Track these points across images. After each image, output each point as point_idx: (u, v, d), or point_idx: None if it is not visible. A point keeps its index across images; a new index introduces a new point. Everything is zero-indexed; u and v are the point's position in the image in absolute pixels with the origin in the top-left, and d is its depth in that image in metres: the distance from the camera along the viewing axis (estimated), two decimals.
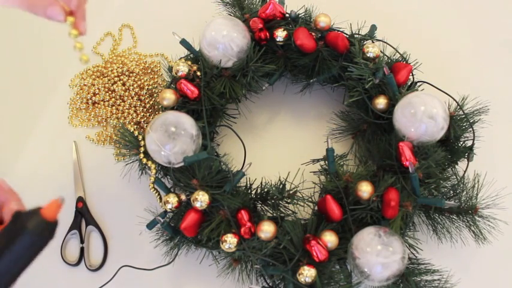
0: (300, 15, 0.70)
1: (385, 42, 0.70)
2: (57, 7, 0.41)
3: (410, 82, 0.68)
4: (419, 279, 0.58)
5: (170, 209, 0.60)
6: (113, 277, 0.63)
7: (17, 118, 0.76)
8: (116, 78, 0.78)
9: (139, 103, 0.77)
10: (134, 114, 0.76)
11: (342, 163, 0.64)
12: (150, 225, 0.62)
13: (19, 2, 0.41)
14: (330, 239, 0.58)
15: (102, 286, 0.63)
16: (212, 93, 0.65)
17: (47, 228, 0.40)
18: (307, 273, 0.55)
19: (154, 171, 0.63)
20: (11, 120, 0.76)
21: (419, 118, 0.60)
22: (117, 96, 0.77)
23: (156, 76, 0.80)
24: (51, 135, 0.75)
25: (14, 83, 0.78)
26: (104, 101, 0.77)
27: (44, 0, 0.41)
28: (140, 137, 0.63)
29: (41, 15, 0.41)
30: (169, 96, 0.63)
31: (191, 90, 0.64)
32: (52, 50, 0.79)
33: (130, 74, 0.79)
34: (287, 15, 0.69)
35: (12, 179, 0.72)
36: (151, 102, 0.76)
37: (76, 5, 0.42)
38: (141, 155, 0.63)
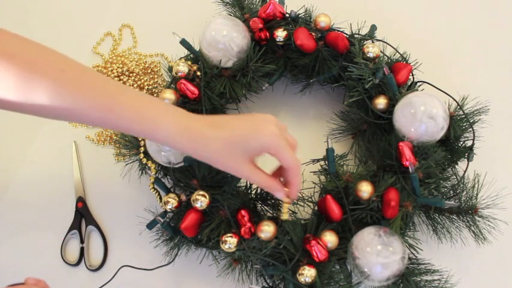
0: (300, 15, 0.70)
1: (385, 42, 0.70)
2: (282, 192, 0.53)
3: (410, 82, 0.68)
4: (419, 279, 0.58)
5: (170, 209, 0.60)
6: (113, 277, 0.63)
7: (18, 118, 0.76)
8: (116, 79, 0.78)
9: None
10: None
11: (342, 163, 0.64)
12: (150, 225, 0.62)
13: (259, 181, 0.52)
14: (330, 239, 0.58)
15: (102, 286, 0.63)
16: (212, 93, 0.65)
17: None
18: (307, 273, 0.55)
19: (154, 171, 0.63)
20: (12, 120, 0.76)
21: (419, 118, 0.60)
22: None
23: (156, 76, 0.80)
24: (51, 135, 0.75)
25: None
26: None
27: (278, 185, 0.52)
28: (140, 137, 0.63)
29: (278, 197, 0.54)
30: (169, 96, 0.63)
31: (191, 90, 0.64)
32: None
33: (130, 74, 0.79)
34: (287, 15, 0.69)
35: (13, 179, 0.72)
36: None
37: (295, 192, 0.53)
38: (141, 155, 0.63)
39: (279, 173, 0.56)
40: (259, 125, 0.50)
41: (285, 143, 0.50)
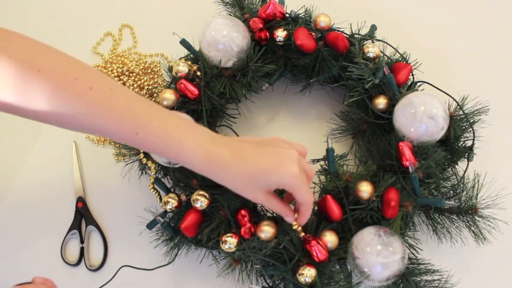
0: (300, 15, 0.70)
1: (385, 42, 0.70)
2: (292, 218, 0.56)
3: (410, 82, 0.68)
4: (419, 279, 0.58)
5: (170, 209, 0.60)
6: (113, 277, 0.63)
7: (18, 118, 0.76)
8: (116, 79, 0.78)
9: None
10: None
11: (342, 163, 0.64)
12: (150, 225, 0.62)
13: (273, 207, 0.54)
14: (330, 239, 0.58)
15: (102, 286, 0.63)
16: (212, 93, 0.65)
17: None
18: (307, 273, 0.55)
19: (154, 171, 0.63)
20: (12, 119, 0.76)
21: (419, 118, 0.60)
22: None
23: (156, 76, 0.80)
24: (51, 135, 0.75)
25: None
26: None
27: (288, 212, 0.55)
28: None
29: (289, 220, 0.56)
30: (169, 96, 0.63)
31: (191, 90, 0.64)
32: None
33: (131, 74, 0.79)
34: (287, 15, 0.69)
35: (13, 179, 0.72)
36: None
37: (303, 221, 0.56)
38: (141, 155, 0.63)
39: (292, 196, 0.58)
40: (282, 162, 0.51)
41: (302, 182, 0.52)
